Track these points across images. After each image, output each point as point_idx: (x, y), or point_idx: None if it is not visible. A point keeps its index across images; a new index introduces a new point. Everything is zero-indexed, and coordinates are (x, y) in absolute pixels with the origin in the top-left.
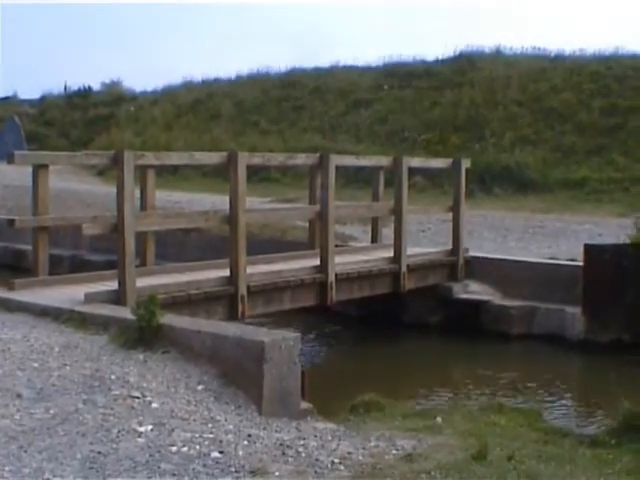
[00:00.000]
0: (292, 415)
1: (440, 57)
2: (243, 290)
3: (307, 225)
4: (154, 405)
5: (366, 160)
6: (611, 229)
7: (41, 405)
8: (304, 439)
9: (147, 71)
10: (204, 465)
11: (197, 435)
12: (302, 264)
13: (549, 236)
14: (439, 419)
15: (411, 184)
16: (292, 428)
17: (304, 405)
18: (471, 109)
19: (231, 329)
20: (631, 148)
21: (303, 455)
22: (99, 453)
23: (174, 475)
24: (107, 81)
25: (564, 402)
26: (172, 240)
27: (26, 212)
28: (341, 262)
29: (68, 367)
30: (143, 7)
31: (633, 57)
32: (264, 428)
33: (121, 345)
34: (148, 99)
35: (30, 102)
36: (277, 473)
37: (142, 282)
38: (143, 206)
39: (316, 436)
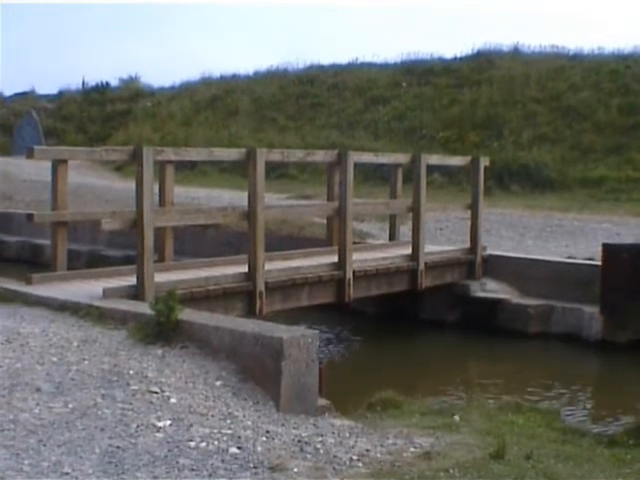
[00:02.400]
0: (310, 412)
1: (458, 55)
2: (261, 286)
3: (325, 222)
4: (172, 400)
5: (384, 157)
6: (629, 228)
7: (60, 399)
8: (322, 436)
9: (165, 67)
10: (222, 461)
11: (215, 431)
12: (320, 261)
13: (567, 235)
14: (457, 417)
15: (429, 181)
16: (310, 425)
17: (322, 402)
18: (489, 107)
19: (249, 325)
20: None
21: (321, 452)
22: (118, 448)
23: (192, 470)
24: (125, 77)
25: (582, 402)
26: (190, 236)
27: (44, 207)
28: (359, 259)
29: (87, 361)
30: (161, 3)
31: None
32: (282, 424)
33: (139, 340)
34: (166, 95)
35: (48, 97)
36: (295, 469)
37: (160, 277)
38: (161, 202)
39: (334, 433)
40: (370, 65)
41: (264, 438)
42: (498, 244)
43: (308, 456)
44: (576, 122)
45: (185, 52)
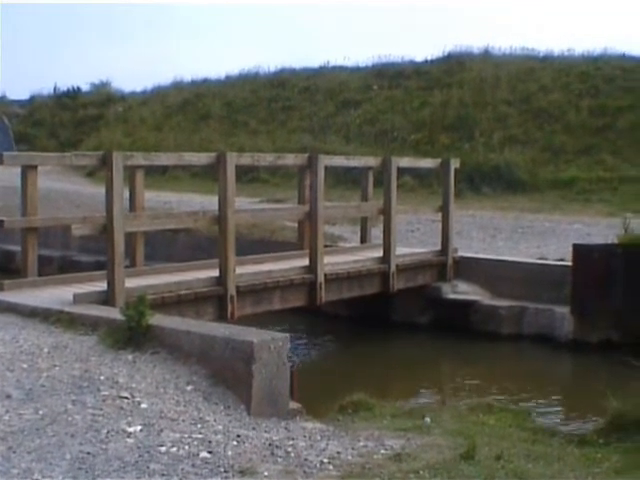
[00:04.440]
0: (281, 415)
1: (429, 57)
2: (232, 290)
3: (296, 225)
4: (143, 405)
5: (355, 160)
6: (600, 229)
7: (30, 406)
8: (293, 439)
9: (136, 72)
10: (193, 465)
11: (186, 435)
12: (291, 264)
13: (538, 236)
14: (428, 419)
15: (400, 184)
16: (281, 428)
17: (293, 405)
18: (460, 109)
19: (220, 329)
20: (620, 148)
21: (292, 455)
22: (88, 453)
23: (163, 475)
24: (96, 82)
25: (553, 402)
26: (161, 241)
27: (14, 213)
28: (330, 262)
29: (57, 368)
30: (133, 7)
31: (621, 57)
32: (253, 428)
33: (110, 346)
34: (137, 99)
35: (19, 103)
36: (266, 473)
37: (131, 283)
38: (132, 207)
39: (305, 436)
40: (341, 68)
41: (235, 442)
42: (469, 246)
43: (279, 459)
44: (547, 123)
45: (157, 56)
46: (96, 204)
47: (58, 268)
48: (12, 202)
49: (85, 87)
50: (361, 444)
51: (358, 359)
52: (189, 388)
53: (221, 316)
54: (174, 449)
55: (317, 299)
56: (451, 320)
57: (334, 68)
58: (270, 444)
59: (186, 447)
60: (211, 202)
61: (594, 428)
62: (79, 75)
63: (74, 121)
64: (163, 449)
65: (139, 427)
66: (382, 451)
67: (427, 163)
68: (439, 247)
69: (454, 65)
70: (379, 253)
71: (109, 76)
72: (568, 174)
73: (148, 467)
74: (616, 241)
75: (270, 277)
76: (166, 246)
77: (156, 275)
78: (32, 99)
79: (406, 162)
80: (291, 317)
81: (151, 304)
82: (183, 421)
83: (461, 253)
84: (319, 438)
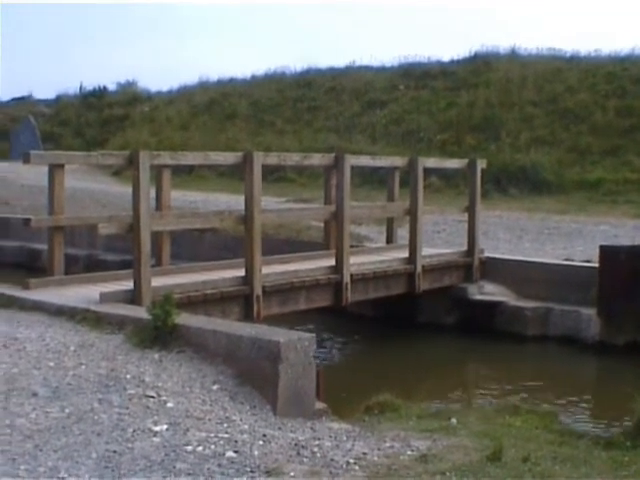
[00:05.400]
0: (307, 415)
1: (456, 57)
2: (258, 290)
3: (322, 225)
4: (169, 405)
5: (382, 160)
6: (627, 230)
7: (57, 404)
8: (319, 439)
9: (162, 71)
10: (219, 465)
11: (212, 435)
12: (317, 264)
13: (564, 237)
14: (454, 420)
15: (426, 184)
16: (307, 428)
17: (319, 405)
18: (487, 109)
19: (247, 329)
20: None
21: (318, 455)
22: (114, 452)
23: (189, 475)
24: (122, 81)
25: (579, 404)
26: (187, 240)
27: (41, 211)
28: (356, 262)
29: (83, 366)
30: (159, 7)
31: None
32: (279, 428)
33: (136, 344)
34: (163, 99)
35: (45, 102)
36: (292, 473)
37: (157, 282)
38: (158, 206)
39: (331, 436)
40: (367, 68)
41: (261, 442)
42: (496, 247)
43: (305, 460)
44: (573, 124)
45: (183, 56)
46: (122, 203)
47: (84, 267)
48: (38, 201)
49: (111, 87)
50: (387, 445)
51: (383, 360)
52: (215, 387)
53: (247, 316)
54: (200, 448)
55: (343, 299)
56: (477, 321)
57: (360, 68)
58: (296, 444)
59: (212, 446)
60: (237, 202)
61: (621, 431)
62: (105, 75)
63: (100, 120)
64: (189, 448)
65: (165, 426)
66: (408, 452)
67: (454, 164)
68: (465, 248)
69: (481, 65)
70: (405, 253)
71: (135, 76)
72: (594, 175)
73: (174, 466)
74: None
75: (296, 277)
76: (192, 246)
77: (182, 274)
78: (58, 98)
79: (433, 162)
80: (316, 317)
81: (177, 303)
82: (209, 420)
83: (487, 254)
84: (345, 438)
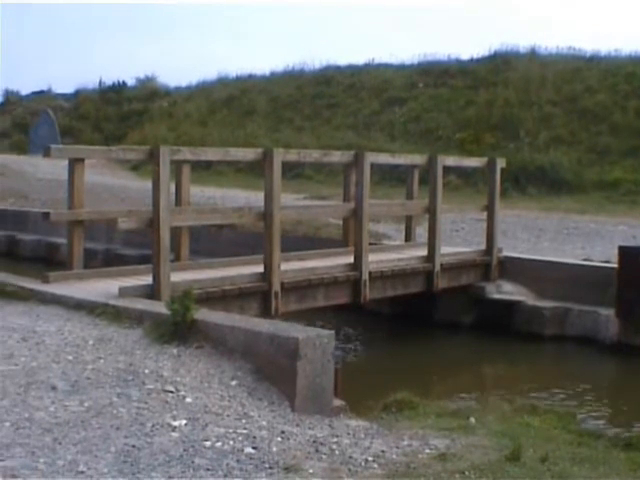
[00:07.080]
0: (325, 412)
1: (475, 56)
2: (277, 286)
3: (341, 222)
4: (188, 400)
5: (401, 158)
6: None
7: (75, 398)
8: (337, 436)
9: (181, 67)
10: (238, 461)
11: (231, 430)
12: (336, 261)
13: (583, 237)
14: (472, 419)
15: (445, 183)
16: (325, 425)
17: (337, 402)
18: (506, 108)
19: (265, 325)
20: None
21: (336, 452)
22: (133, 447)
23: (208, 470)
24: (141, 76)
25: (597, 404)
26: (206, 236)
27: (60, 205)
28: (375, 260)
29: (102, 360)
30: (179, 4)
31: None
32: (297, 425)
33: (155, 339)
34: (182, 95)
35: (64, 96)
36: (311, 470)
37: (176, 277)
38: (178, 201)
39: (349, 434)
40: (386, 66)
41: (279, 438)
42: (514, 246)
43: (323, 457)
44: (592, 124)
45: (201, 52)
46: (141, 198)
47: (102, 261)
48: (57, 195)
49: (130, 82)
50: (405, 443)
51: (401, 358)
52: (233, 383)
53: (265, 312)
54: (219, 444)
55: (361, 297)
56: (494, 320)
57: (379, 65)
58: (314, 441)
59: (231, 442)
60: (256, 198)
61: None
62: (124, 70)
63: (119, 115)
64: (208, 444)
65: (184, 421)
66: (427, 450)
67: (473, 162)
68: (484, 247)
69: (500, 64)
70: (424, 252)
71: (154, 71)
72: (613, 175)
73: (193, 461)
74: None
75: (314, 274)
76: (210, 241)
77: (201, 270)
78: (77, 93)
79: (452, 161)
80: (334, 314)
81: (196, 299)
82: (228, 416)
83: (506, 253)
84: (363, 436)
